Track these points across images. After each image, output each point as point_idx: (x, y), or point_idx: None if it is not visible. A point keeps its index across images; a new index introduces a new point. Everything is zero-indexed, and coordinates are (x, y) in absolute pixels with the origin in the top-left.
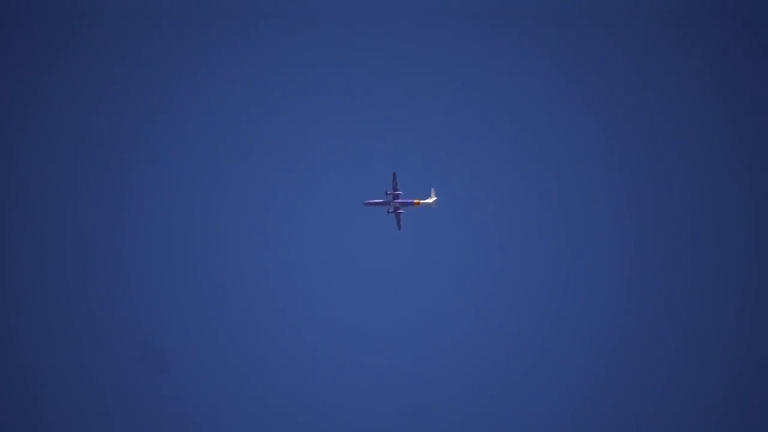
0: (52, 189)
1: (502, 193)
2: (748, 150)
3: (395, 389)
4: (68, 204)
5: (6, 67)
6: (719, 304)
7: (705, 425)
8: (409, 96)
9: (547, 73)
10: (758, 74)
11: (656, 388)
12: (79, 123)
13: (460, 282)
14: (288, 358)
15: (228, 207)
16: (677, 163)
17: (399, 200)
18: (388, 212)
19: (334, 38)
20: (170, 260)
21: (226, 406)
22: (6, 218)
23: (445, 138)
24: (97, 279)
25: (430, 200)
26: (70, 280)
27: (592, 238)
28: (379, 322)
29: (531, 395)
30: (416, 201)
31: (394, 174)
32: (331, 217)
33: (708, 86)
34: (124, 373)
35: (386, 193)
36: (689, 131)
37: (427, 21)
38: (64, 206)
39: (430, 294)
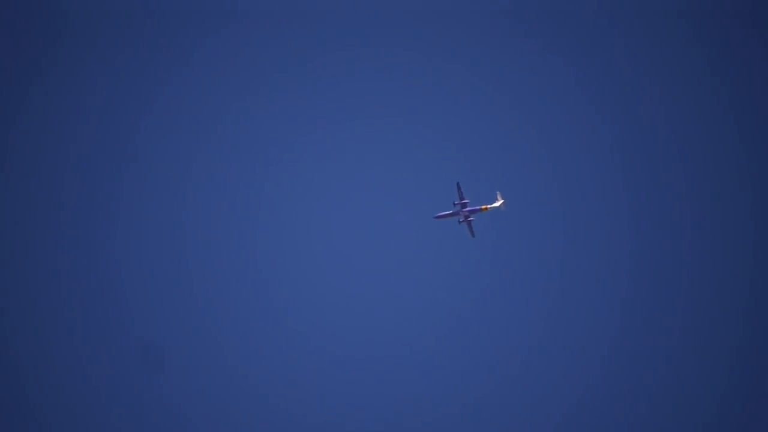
0: (49, 188)
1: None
2: (749, 149)
3: (396, 393)
4: (66, 203)
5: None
6: (722, 304)
7: (705, 426)
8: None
9: (556, 74)
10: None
11: (659, 388)
12: (74, 122)
13: (467, 279)
14: (288, 357)
15: (227, 206)
16: (682, 164)
17: (467, 209)
18: (459, 222)
19: (344, 38)
20: (170, 260)
21: (226, 405)
22: (5, 218)
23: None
24: (95, 278)
25: (497, 203)
26: (68, 280)
27: (595, 237)
28: (378, 322)
29: (534, 393)
30: (484, 207)
31: (458, 184)
32: (330, 216)
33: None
34: (122, 373)
35: (453, 204)
36: (706, 132)
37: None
38: (62, 206)
39: (435, 291)
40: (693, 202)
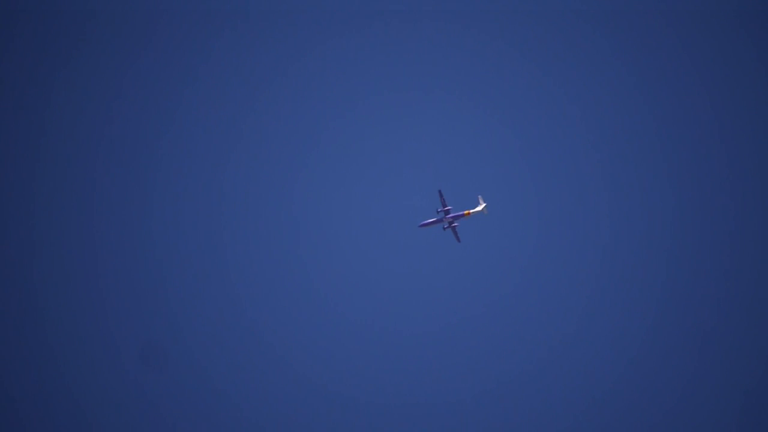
0: (53, 188)
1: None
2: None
3: (397, 397)
4: (70, 203)
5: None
6: (727, 304)
7: (706, 425)
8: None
9: (531, 76)
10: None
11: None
12: (74, 122)
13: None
14: (288, 358)
15: (227, 206)
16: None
17: (450, 215)
18: (444, 228)
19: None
20: (171, 259)
21: (226, 404)
22: (8, 217)
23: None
24: (96, 278)
25: (479, 208)
26: (71, 279)
27: (604, 237)
28: (379, 321)
29: (542, 394)
30: (466, 212)
31: (440, 192)
32: (328, 215)
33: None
34: (124, 371)
35: (437, 211)
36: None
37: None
38: (65, 205)
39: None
40: (683, 198)
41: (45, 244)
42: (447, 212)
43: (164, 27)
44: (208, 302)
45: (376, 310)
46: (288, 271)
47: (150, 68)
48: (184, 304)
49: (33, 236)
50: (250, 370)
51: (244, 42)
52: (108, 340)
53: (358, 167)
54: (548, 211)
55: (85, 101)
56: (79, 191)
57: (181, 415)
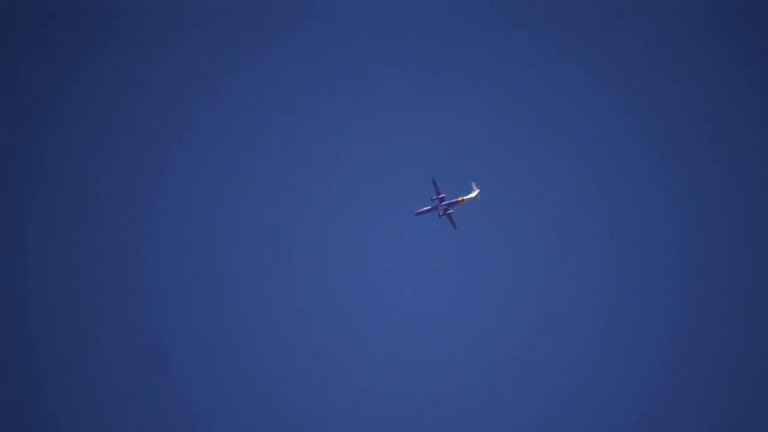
0: (53, 190)
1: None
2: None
3: (397, 398)
4: (69, 205)
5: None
6: (726, 304)
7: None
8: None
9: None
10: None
11: (667, 389)
12: (74, 122)
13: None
14: (288, 358)
15: (228, 207)
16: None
17: (445, 203)
18: (439, 216)
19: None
20: (171, 261)
21: (227, 405)
22: (8, 218)
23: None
24: (96, 279)
25: (473, 194)
26: (71, 280)
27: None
28: (378, 320)
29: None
30: (460, 198)
31: (434, 180)
32: (326, 215)
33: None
34: (124, 373)
35: (431, 199)
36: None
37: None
38: (65, 207)
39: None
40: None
41: (45, 245)
42: (441, 200)
43: (163, 29)
44: (208, 303)
45: (376, 308)
46: (288, 270)
47: (149, 68)
48: (183, 305)
49: (32, 238)
50: (250, 370)
51: (238, 43)
52: (108, 342)
53: (350, 167)
54: (544, 204)
55: (84, 101)
56: (79, 193)
57: (180, 416)
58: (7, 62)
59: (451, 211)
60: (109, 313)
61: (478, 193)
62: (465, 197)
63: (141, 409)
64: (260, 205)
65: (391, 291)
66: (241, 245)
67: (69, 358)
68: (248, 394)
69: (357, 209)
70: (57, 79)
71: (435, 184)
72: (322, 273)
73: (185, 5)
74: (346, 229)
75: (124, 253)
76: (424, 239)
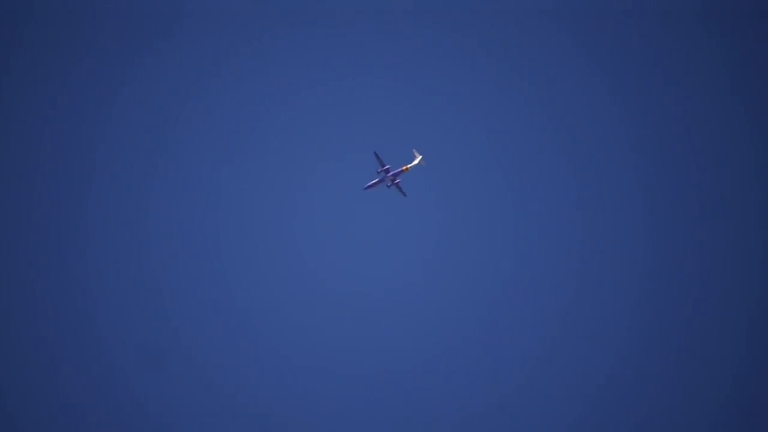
0: (48, 189)
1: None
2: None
3: (396, 397)
4: (68, 204)
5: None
6: (726, 305)
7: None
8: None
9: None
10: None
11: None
12: (74, 122)
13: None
14: (288, 357)
15: (225, 205)
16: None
17: (391, 173)
18: (388, 186)
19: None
20: (168, 259)
21: (226, 405)
22: (6, 217)
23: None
24: (95, 278)
25: (416, 161)
26: (72, 280)
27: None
28: (378, 321)
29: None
30: (405, 167)
31: (375, 153)
32: (318, 206)
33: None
34: (121, 373)
35: (377, 172)
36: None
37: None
38: (63, 206)
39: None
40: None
41: (44, 245)
42: (387, 171)
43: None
44: (207, 303)
45: (376, 306)
46: (288, 270)
47: (149, 68)
48: (182, 305)
49: (31, 237)
50: (249, 370)
51: (232, 43)
52: (106, 342)
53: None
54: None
55: (84, 101)
56: (77, 192)
57: (180, 416)
58: (7, 62)
59: (398, 180)
60: (107, 312)
61: (422, 158)
62: (409, 165)
63: (140, 409)
64: (264, 209)
65: (359, 264)
66: (242, 245)
67: (69, 358)
68: (248, 394)
69: (308, 192)
70: (57, 78)
71: (377, 156)
72: (323, 275)
73: (179, 4)
74: (304, 214)
75: (124, 253)
76: (378, 212)
